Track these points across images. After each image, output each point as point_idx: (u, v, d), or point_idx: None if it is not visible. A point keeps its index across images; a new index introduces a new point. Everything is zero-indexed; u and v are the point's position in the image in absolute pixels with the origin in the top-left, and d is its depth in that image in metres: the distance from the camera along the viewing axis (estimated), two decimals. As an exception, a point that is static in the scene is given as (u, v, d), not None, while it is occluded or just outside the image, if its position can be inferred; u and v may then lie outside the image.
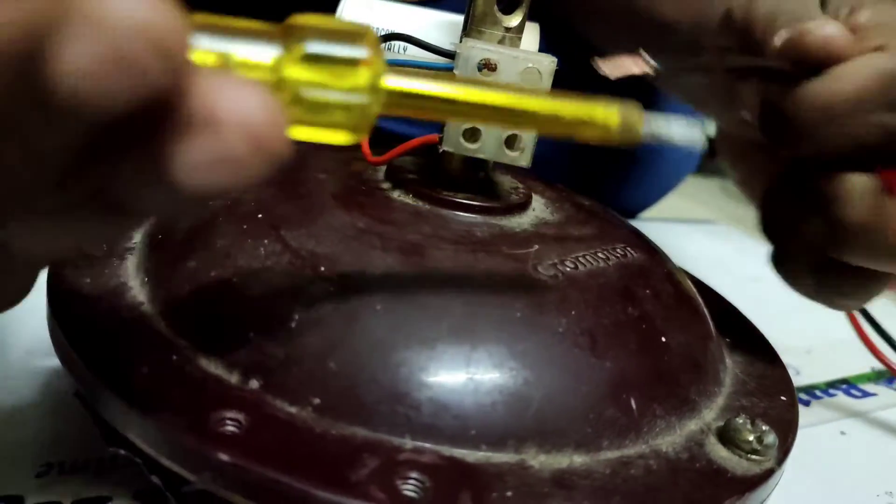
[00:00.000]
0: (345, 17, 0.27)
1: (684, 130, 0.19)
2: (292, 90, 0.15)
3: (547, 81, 0.25)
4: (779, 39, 0.26)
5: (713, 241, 0.59)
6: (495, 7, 0.26)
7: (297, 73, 0.15)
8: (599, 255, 0.26)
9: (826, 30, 0.25)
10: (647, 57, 0.24)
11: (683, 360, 0.24)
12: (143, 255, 0.26)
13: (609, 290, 0.24)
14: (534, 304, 0.22)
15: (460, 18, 0.29)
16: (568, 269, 0.24)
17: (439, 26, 0.29)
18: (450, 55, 0.25)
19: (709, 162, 1.52)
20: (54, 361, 0.23)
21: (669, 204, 0.64)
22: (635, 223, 0.60)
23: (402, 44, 0.27)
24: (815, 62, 0.25)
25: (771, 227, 0.29)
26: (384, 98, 0.16)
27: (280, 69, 0.15)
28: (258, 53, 0.15)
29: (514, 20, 0.26)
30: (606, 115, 0.18)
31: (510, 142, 0.25)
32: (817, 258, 0.27)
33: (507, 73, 0.24)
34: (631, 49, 0.48)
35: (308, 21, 0.16)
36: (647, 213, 0.63)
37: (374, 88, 0.16)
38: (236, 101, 0.13)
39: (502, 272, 0.23)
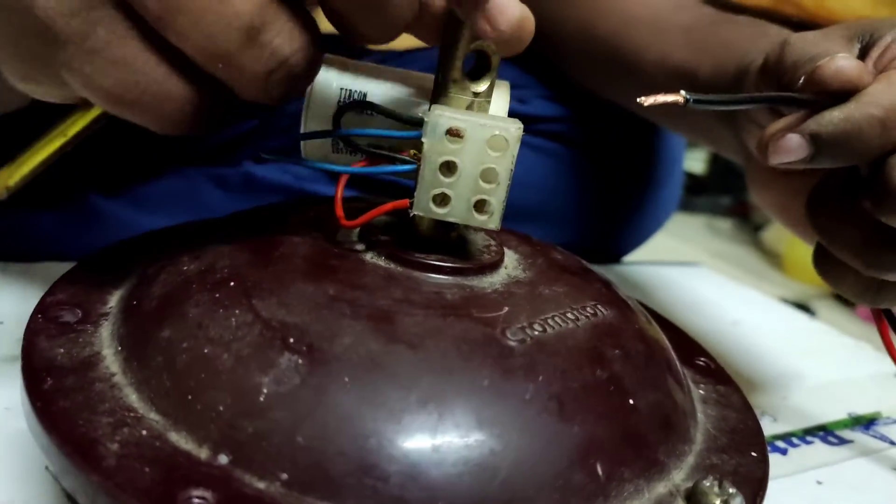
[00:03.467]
0: (320, 76, 0.28)
1: None
2: None
3: (514, 147, 0.25)
4: (801, 77, 0.29)
5: (694, 284, 0.60)
6: (463, 73, 0.26)
7: None
8: (569, 315, 0.26)
9: (838, 62, 0.28)
10: (684, 93, 0.25)
11: (653, 421, 0.25)
12: (117, 322, 0.26)
13: (577, 353, 0.24)
14: (501, 372, 0.23)
15: (425, 77, 0.30)
16: (537, 332, 0.24)
17: (413, 87, 0.29)
18: (416, 122, 0.26)
19: (694, 199, 1.53)
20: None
21: (654, 242, 0.64)
22: (618, 267, 0.61)
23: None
24: (833, 92, 0.28)
25: (820, 219, 0.31)
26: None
27: None
28: None
29: (482, 85, 0.27)
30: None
31: (479, 206, 0.26)
32: (863, 235, 0.29)
33: (473, 141, 0.25)
34: (631, 94, 0.50)
35: None
36: (632, 253, 0.64)
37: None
38: None
39: (471, 338, 0.23)
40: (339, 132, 0.27)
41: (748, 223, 1.77)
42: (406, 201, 0.26)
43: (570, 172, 0.56)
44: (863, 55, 0.31)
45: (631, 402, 0.24)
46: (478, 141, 0.25)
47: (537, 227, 0.55)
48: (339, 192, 0.26)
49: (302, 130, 0.29)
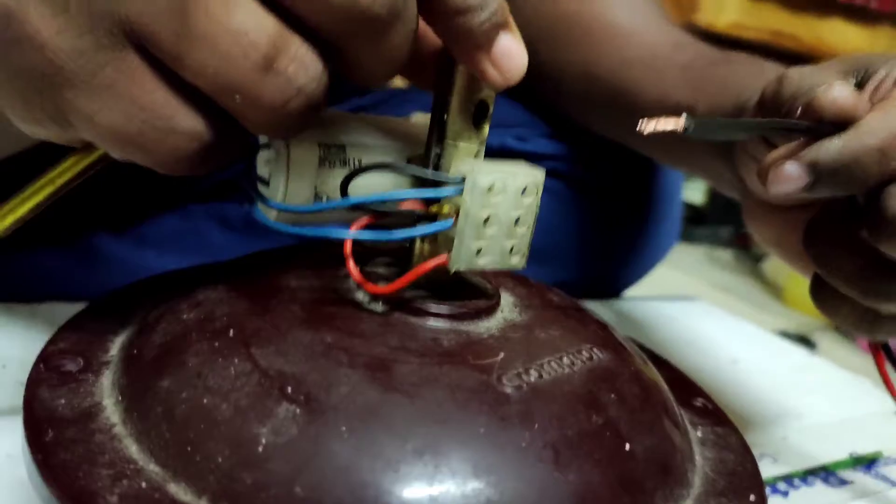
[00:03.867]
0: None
1: None
2: None
3: (540, 191, 0.27)
4: (799, 107, 0.29)
5: (693, 320, 0.60)
6: (471, 122, 0.27)
7: None
8: (565, 360, 0.26)
9: (834, 91, 0.28)
10: (685, 117, 0.26)
11: (649, 466, 0.25)
12: (118, 372, 0.27)
13: (573, 399, 0.25)
14: (497, 419, 0.23)
15: (404, 122, 0.30)
16: (532, 378, 0.25)
17: (389, 133, 0.29)
18: (452, 181, 0.26)
19: (694, 230, 1.54)
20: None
21: (654, 273, 0.65)
22: (617, 302, 0.61)
23: (357, 155, 0.28)
24: (830, 121, 0.28)
25: (817, 249, 0.31)
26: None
27: None
28: None
29: (484, 132, 0.27)
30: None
31: (511, 250, 0.27)
32: (861, 265, 0.30)
33: (509, 192, 0.26)
34: (629, 131, 0.50)
35: None
36: (631, 286, 0.64)
37: None
38: None
39: (467, 386, 0.24)
40: (359, 200, 0.26)
41: (749, 254, 1.77)
42: (444, 258, 0.26)
43: (570, 210, 0.56)
44: (858, 89, 0.31)
45: (627, 447, 0.24)
46: (513, 191, 0.26)
47: (536, 265, 0.55)
48: (351, 262, 0.25)
49: (282, 195, 0.27)
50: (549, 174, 0.56)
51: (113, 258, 0.51)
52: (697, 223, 1.45)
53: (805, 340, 1.20)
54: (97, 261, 0.51)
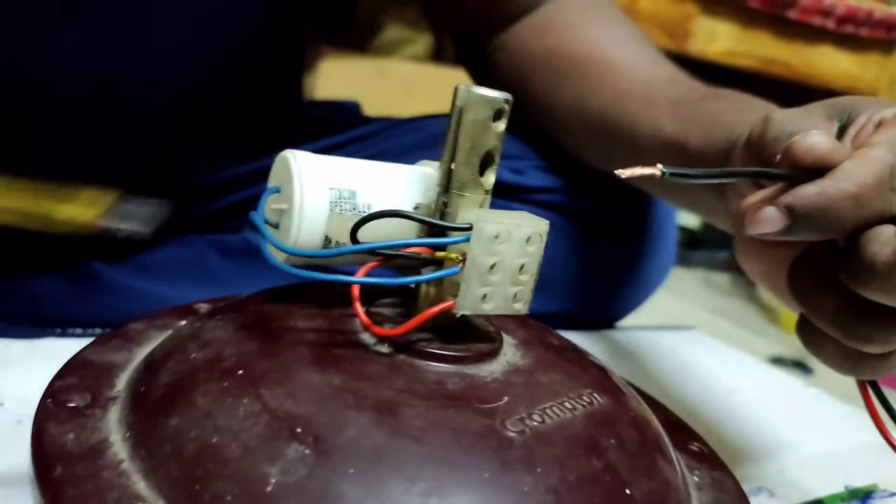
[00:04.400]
0: (304, 178, 0.28)
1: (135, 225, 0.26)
2: None
3: (544, 241, 0.27)
4: (778, 153, 0.30)
5: (688, 350, 0.61)
6: (477, 173, 0.27)
7: None
8: (566, 404, 0.27)
9: (811, 138, 0.29)
10: (659, 166, 0.27)
11: (648, 509, 0.25)
12: (125, 408, 0.27)
13: (574, 443, 0.25)
14: (501, 464, 0.23)
15: (413, 170, 0.30)
16: (535, 423, 0.25)
17: (398, 180, 0.30)
18: (436, 225, 0.27)
19: (690, 254, 1.54)
20: None
21: (651, 298, 0.65)
22: (612, 333, 0.62)
23: (367, 200, 0.29)
24: (807, 167, 0.29)
25: (801, 289, 0.32)
26: None
27: None
28: None
29: (489, 181, 0.28)
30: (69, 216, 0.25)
31: (515, 296, 0.28)
32: (842, 306, 0.30)
33: (514, 241, 0.27)
34: (625, 165, 0.51)
35: None
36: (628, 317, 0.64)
37: None
38: None
39: (471, 430, 0.24)
40: (370, 246, 0.26)
41: (745, 278, 1.77)
42: (451, 303, 0.27)
43: (565, 242, 0.57)
44: (841, 132, 0.32)
45: (627, 491, 0.25)
46: (517, 240, 0.27)
47: (533, 298, 0.56)
48: (358, 305, 0.26)
49: (293, 239, 0.28)
50: (544, 206, 0.57)
51: (113, 285, 0.51)
52: (693, 247, 1.46)
53: (801, 366, 1.20)
54: (97, 288, 0.51)
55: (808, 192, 0.29)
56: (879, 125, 0.31)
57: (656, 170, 0.26)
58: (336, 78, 1.09)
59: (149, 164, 0.54)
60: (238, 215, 0.58)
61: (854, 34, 1.59)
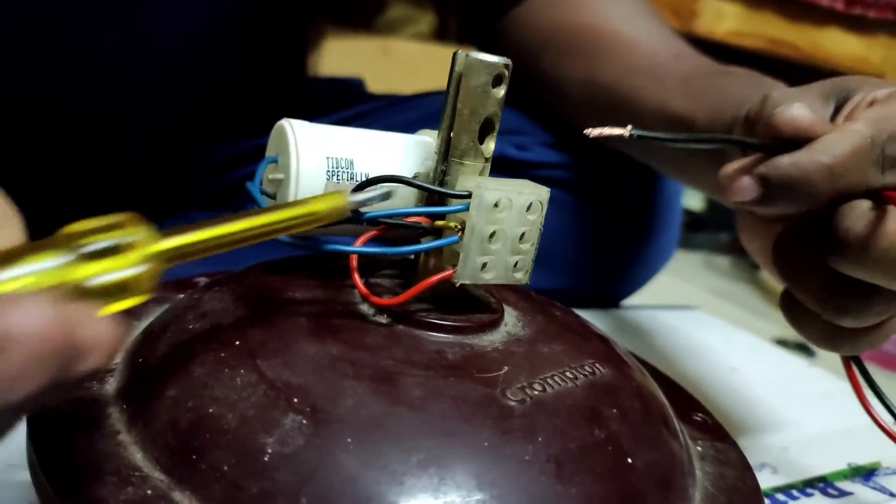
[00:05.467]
0: (300, 146, 0.27)
1: (377, 196, 0.25)
2: (81, 286, 0.19)
3: (545, 209, 0.27)
4: (763, 125, 0.31)
5: (691, 329, 0.60)
6: (477, 140, 0.27)
7: (81, 272, 0.19)
8: (568, 374, 0.27)
9: (792, 110, 0.29)
10: (630, 127, 0.27)
11: (651, 480, 0.25)
12: (122, 380, 0.27)
13: (576, 413, 0.25)
14: (501, 433, 0.23)
15: (412, 139, 0.30)
16: (536, 392, 0.25)
17: (396, 149, 0.30)
18: (436, 192, 0.27)
19: (692, 236, 1.54)
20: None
21: (653, 280, 0.65)
22: (616, 311, 0.62)
23: (364, 169, 0.28)
24: (786, 138, 0.29)
25: (784, 264, 0.33)
26: (165, 258, 0.21)
27: (66, 275, 0.19)
28: (41, 268, 0.19)
29: (489, 149, 0.27)
30: (321, 205, 0.24)
31: (516, 266, 0.27)
32: (821, 280, 0.31)
33: (514, 209, 0.26)
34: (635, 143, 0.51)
35: (76, 227, 0.20)
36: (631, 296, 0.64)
37: (148, 258, 0.20)
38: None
39: (472, 398, 0.24)
40: (367, 215, 0.26)
41: (747, 261, 1.77)
42: (451, 273, 0.26)
43: (571, 219, 0.56)
44: (837, 111, 0.32)
45: (629, 461, 0.25)
46: (518, 208, 0.26)
47: (537, 273, 0.55)
48: (356, 275, 0.26)
49: None
50: (549, 182, 0.56)
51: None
52: (696, 230, 1.45)
53: (804, 348, 1.20)
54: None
55: (783, 162, 0.29)
56: (871, 104, 0.31)
57: (625, 130, 0.27)
58: (340, 57, 1.08)
59: (153, 144, 0.54)
60: (239, 192, 0.58)
61: (862, 15, 1.57)
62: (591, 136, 0.27)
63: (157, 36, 0.49)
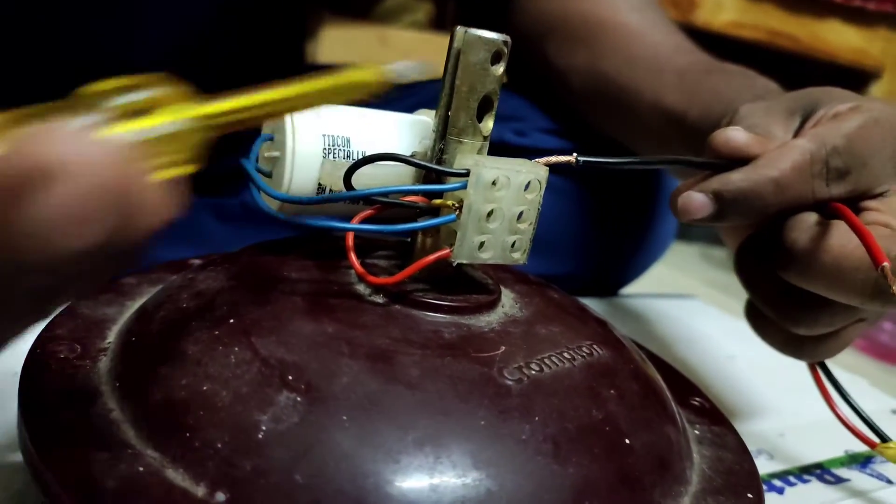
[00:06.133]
0: (296, 124, 0.27)
1: (414, 69, 0.24)
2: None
3: (543, 188, 0.27)
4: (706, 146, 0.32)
5: (689, 317, 0.60)
6: (475, 118, 0.27)
7: (120, 128, 0.18)
8: (565, 355, 0.26)
9: (728, 132, 0.31)
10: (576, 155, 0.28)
11: (648, 462, 0.25)
12: (116, 358, 0.26)
13: (573, 393, 0.25)
14: (498, 412, 0.23)
15: (409, 118, 0.30)
16: (533, 372, 0.25)
17: (393, 128, 0.29)
18: (433, 170, 0.26)
19: (689, 228, 1.54)
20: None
21: (650, 271, 0.65)
22: (614, 299, 0.61)
23: (361, 148, 0.28)
24: (728, 157, 0.31)
25: (744, 272, 0.34)
26: (208, 122, 0.20)
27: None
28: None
29: (488, 127, 0.27)
30: (359, 75, 0.23)
31: (513, 246, 0.27)
32: (777, 289, 0.32)
33: (512, 187, 0.26)
34: (628, 131, 0.51)
35: (96, 87, 0.18)
36: (629, 286, 0.64)
37: (188, 119, 0.19)
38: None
39: (468, 378, 0.24)
40: (363, 192, 0.26)
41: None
42: (447, 252, 0.26)
43: (570, 205, 0.56)
44: (804, 124, 0.33)
45: (626, 442, 0.24)
46: (516, 187, 0.26)
47: (537, 259, 0.55)
48: (353, 254, 0.25)
49: (286, 186, 0.27)
50: (552, 170, 0.56)
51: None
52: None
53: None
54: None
55: (734, 178, 0.30)
56: (834, 118, 0.32)
57: (571, 158, 0.28)
58: (337, 45, 1.08)
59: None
60: (239, 177, 0.57)
61: (862, 7, 1.57)
62: (541, 164, 0.27)
63: (155, 22, 0.49)
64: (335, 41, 1.09)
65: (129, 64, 0.49)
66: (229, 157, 0.59)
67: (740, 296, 0.37)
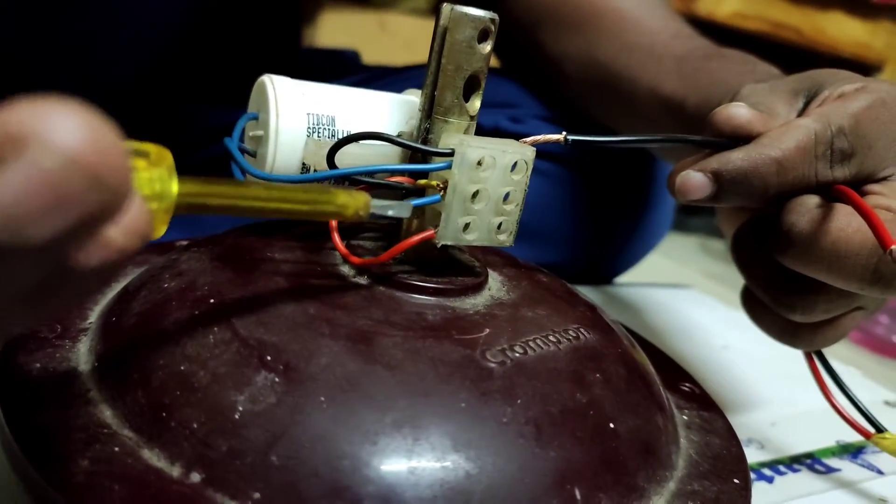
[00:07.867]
0: (280, 102, 0.27)
1: (397, 210, 0.24)
2: None
3: (530, 169, 0.26)
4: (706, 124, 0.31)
5: (684, 307, 0.60)
6: (461, 97, 0.26)
7: None
8: (551, 338, 0.26)
9: (729, 109, 0.30)
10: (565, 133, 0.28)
11: (633, 446, 0.24)
12: (96, 338, 0.26)
13: (558, 376, 0.24)
14: (479, 394, 0.22)
15: (396, 97, 0.29)
16: (517, 354, 0.24)
17: (380, 107, 0.29)
18: (417, 149, 0.26)
19: (688, 219, 1.53)
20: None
21: (648, 262, 0.64)
22: (609, 288, 0.61)
23: (346, 127, 0.27)
24: (730, 136, 0.30)
25: (740, 257, 0.33)
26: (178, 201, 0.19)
27: None
28: None
29: (474, 107, 0.27)
30: (342, 203, 0.22)
31: (498, 227, 0.26)
32: (774, 274, 0.31)
33: (498, 167, 0.25)
34: (625, 120, 0.50)
35: None
36: (624, 274, 0.63)
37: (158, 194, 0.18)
38: None
39: (450, 359, 0.23)
40: (347, 171, 0.25)
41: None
42: (432, 233, 0.26)
43: (565, 193, 0.56)
44: (808, 105, 0.32)
45: (611, 426, 0.24)
46: (502, 167, 0.25)
47: (530, 247, 0.55)
48: (336, 235, 0.25)
49: (269, 166, 0.27)
50: (544, 156, 0.55)
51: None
52: (691, 213, 1.45)
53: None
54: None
55: (734, 157, 0.29)
56: (839, 98, 0.31)
57: (560, 137, 0.28)
58: (336, 31, 1.07)
59: (141, 114, 0.54)
60: (228, 163, 0.57)
61: (865, 0, 1.56)
62: (527, 143, 0.27)
63: (148, 4, 0.49)
64: (334, 26, 1.08)
65: (120, 45, 0.49)
66: (221, 143, 0.59)
67: (738, 287, 0.36)
